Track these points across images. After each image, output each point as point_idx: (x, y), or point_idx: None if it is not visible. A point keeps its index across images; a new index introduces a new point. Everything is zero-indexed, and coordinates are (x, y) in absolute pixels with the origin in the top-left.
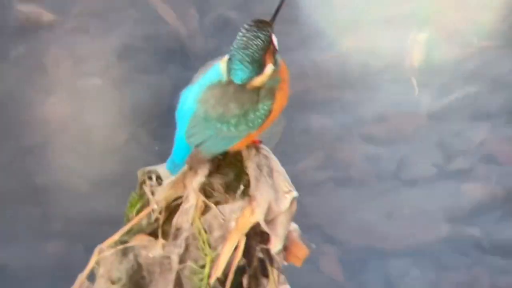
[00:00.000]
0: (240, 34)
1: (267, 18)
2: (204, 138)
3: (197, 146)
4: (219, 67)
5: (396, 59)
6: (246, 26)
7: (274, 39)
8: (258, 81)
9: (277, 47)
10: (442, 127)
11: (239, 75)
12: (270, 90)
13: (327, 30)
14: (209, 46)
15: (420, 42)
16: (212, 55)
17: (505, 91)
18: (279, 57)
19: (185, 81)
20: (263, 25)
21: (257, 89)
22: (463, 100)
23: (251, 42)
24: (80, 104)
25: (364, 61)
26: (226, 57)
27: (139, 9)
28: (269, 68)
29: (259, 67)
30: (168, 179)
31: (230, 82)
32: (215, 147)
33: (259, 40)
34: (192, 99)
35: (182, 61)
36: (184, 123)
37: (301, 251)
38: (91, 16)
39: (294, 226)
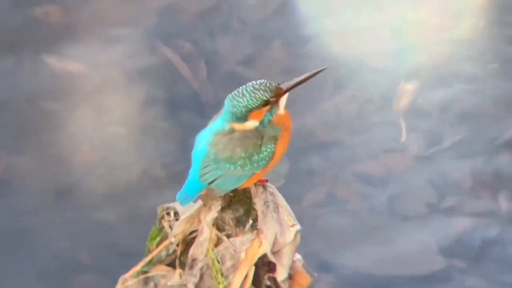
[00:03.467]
0: (241, 87)
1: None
2: (215, 177)
3: (209, 184)
4: None
5: (386, 105)
6: (251, 83)
7: (281, 101)
8: (237, 127)
9: (281, 109)
10: (429, 166)
11: (223, 117)
12: (272, 137)
13: (325, 82)
14: (218, 96)
15: (408, 90)
16: (221, 104)
17: (486, 132)
18: (274, 113)
19: (197, 126)
20: (264, 88)
21: (261, 135)
22: (447, 143)
23: (237, 98)
24: (106, 149)
25: (357, 107)
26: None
27: (158, 61)
28: (251, 123)
29: (240, 119)
30: (185, 214)
31: (234, 129)
32: (225, 185)
33: (244, 98)
34: (204, 142)
35: (195, 109)
36: (198, 163)
37: (304, 279)
38: (115, 68)
39: (297, 256)
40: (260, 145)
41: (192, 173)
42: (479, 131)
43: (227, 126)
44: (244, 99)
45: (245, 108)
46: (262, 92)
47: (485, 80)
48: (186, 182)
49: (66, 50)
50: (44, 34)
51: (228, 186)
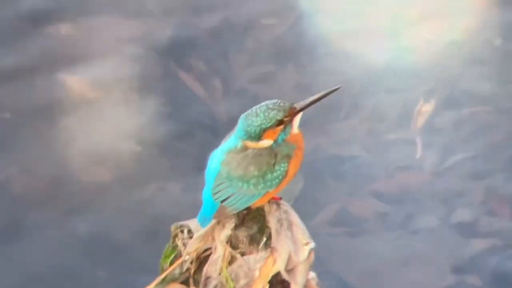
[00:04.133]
0: (255, 107)
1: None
2: (228, 195)
3: (222, 202)
4: None
5: (401, 122)
6: (265, 102)
7: (295, 121)
8: (251, 145)
9: (295, 128)
10: (444, 184)
11: (237, 135)
12: (286, 155)
13: (340, 100)
14: (232, 114)
15: (424, 110)
16: (235, 122)
17: (499, 152)
18: (287, 133)
19: (211, 144)
20: (278, 108)
21: (275, 154)
22: (462, 161)
23: (251, 118)
24: (120, 167)
25: (372, 125)
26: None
27: (171, 80)
28: (265, 142)
29: (254, 138)
30: (198, 232)
31: (247, 147)
32: (238, 204)
33: (258, 118)
34: (217, 161)
35: (208, 127)
36: (211, 181)
37: None
38: (130, 89)
39: (312, 274)
40: (274, 164)
41: (206, 192)
42: (495, 149)
43: (239, 144)
44: (258, 118)
45: (259, 128)
46: (276, 112)
47: (501, 99)
48: (203, 203)
49: (79, 68)
50: (57, 52)
51: (241, 205)
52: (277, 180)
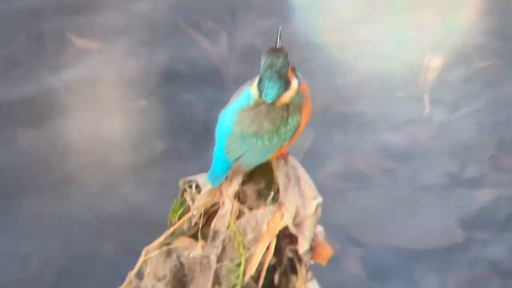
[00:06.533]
0: (264, 57)
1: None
2: (242, 152)
3: (235, 160)
4: (249, 91)
5: (409, 78)
6: (266, 51)
7: None
8: (287, 96)
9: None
10: (452, 139)
11: (270, 94)
12: (297, 106)
13: (346, 54)
14: (239, 70)
15: (433, 64)
16: (242, 77)
17: (507, 105)
18: (299, 74)
19: (217, 100)
20: (278, 48)
21: (286, 106)
22: (471, 115)
23: (275, 60)
24: (129, 123)
25: (381, 80)
26: (255, 82)
27: (180, 37)
28: (294, 83)
29: (286, 83)
30: (206, 187)
31: (261, 103)
32: (252, 160)
33: (281, 58)
34: (229, 120)
35: (215, 82)
36: (223, 140)
37: (326, 251)
38: (138, 43)
39: (319, 228)
40: (287, 117)
41: (217, 151)
42: (503, 103)
43: (252, 101)
44: (280, 59)
45: (285, 67)
46: (280, 49)
47: (510, 52)
48: (213, 162)
49: (86, 25)
50: (67, 7)
51: (256, 161)
52: (290, 133)
